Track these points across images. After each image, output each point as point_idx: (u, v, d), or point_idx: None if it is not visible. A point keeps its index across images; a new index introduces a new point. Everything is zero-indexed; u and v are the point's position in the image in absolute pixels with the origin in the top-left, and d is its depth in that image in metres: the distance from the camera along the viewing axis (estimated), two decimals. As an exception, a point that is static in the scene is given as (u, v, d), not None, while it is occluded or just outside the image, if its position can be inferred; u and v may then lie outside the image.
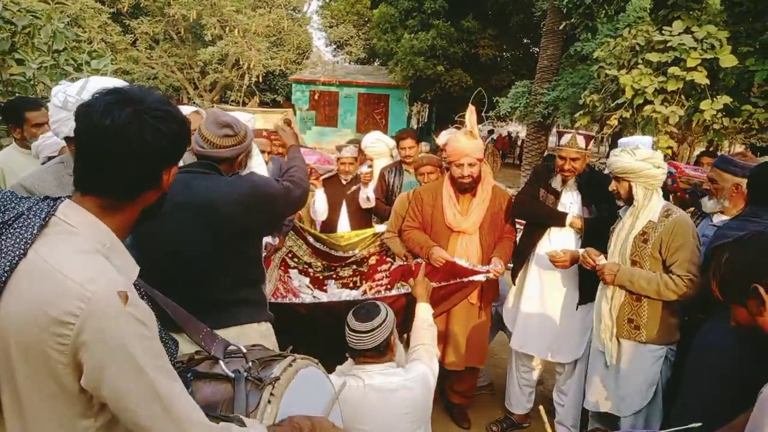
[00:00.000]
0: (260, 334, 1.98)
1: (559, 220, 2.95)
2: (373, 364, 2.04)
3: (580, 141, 2.85)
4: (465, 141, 2.93)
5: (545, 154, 12.22)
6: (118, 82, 1.97)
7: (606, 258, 2.62)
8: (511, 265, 3.22)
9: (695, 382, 2.14)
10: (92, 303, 0.87)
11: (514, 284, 3.25)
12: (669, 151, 5.74)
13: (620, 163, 2.52)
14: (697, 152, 6.33)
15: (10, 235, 0.93)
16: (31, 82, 4.45)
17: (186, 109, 2.95)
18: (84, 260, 0.92)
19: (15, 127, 2.93)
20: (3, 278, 0.89)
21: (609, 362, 2.63)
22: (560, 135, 2.94)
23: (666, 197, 2.92)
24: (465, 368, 3.15)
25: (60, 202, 0.99)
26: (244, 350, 1.28)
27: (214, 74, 15.03)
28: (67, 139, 1.95)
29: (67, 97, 1.90)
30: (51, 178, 1.99)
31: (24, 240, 0.92)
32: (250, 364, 1.23)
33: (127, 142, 0.97)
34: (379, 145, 4.39)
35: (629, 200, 2.55)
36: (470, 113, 2.99)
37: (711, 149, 9.30)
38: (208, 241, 1.87)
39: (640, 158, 2.48)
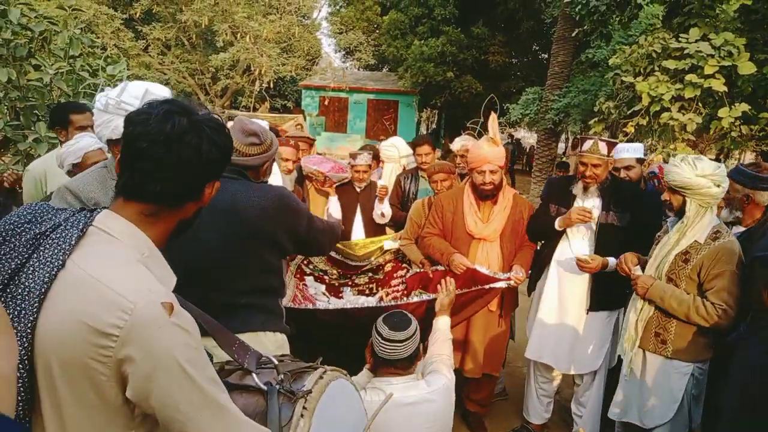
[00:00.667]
0: (275, 344, 1.96)
1: (552, 228, 2.92)
2: (398, 377, 1.99)
3: (602, 147, 2.80)
4: (487, 148, 2.91)
5: (557, 161, 12.15)
6: (155, 86, 1.99)
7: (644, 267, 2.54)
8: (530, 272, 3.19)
9: (749, 403, 1.99)
10: (136, 314, 0.85)
11: (528, 294, 3.22)
12: (665, 156, 5.69)
13: (679, 176, 2.32)
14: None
15: (48, 246, 0.91)
16: (48, 88, 4.47)
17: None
18: (125, 270, 0.91)
19: (61, 130, 2.99)
20: (43, 290, 0.87)
21: (627, 372, 2.57)
22: (582, 141, 2.88)
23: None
24: (482, 376, 3.11)
25: (97, 212, 0.98)
26: (276, 361, 1.26)
27: (225, 80, 15.13)
28: (108, 141, 1.99)
29: (108, 99, 1.92)
30: (95, 182, 1.99)
31: (62, 250, 0.90)
32: (282, 376, 1.20)
33: (185, 148, 0.98)
34: (391, 150, 4.43)
35: (680, 213, 2.41)
36: (492, 120, 2.97)
37: (721, 157, 9.22)
38: (228, 243, 1.87)
39: (701, 173, 2.28)
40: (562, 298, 3.00)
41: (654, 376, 2.51)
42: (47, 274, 0.88)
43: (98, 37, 10.75)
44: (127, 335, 0.85)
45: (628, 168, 3.30)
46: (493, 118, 2.99)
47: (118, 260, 0.92)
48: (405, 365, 2.00)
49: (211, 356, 1.11)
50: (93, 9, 12.28)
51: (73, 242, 0.91)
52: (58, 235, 0.92)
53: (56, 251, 0.90)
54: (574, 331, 2.97)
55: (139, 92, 1.96)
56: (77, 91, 4.64)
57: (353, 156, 4.12)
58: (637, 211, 2.84)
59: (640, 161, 3.39)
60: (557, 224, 2.92)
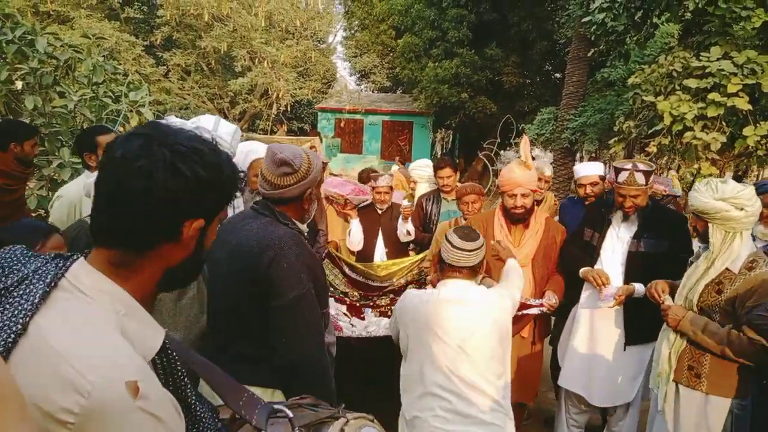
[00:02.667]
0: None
1: (588, 259, 2.86)
2: (460, 279, 2.12)
3: (639, 178, 2.66)
4: (519, 171, 2.86)
5: (574, 179, 12.03)
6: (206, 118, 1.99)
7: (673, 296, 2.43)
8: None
9: None
10: (93, 397, 0.70)
11: (554, 317, 3.13)
12: (686, 176, 5.59)
13: (697, 200, 2.23)
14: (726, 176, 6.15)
15: (9, 305, 0.75)
16: (72, 114, 4.56)
17: (256, 147, 2.87)
18: (90, 339, 0.75)
19: (90, 155, 2.97)
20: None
21: (660, 407, 2.43)
22: (617, 171, 2.74)
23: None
24: (516, 404, 3.01)
25: (72, 261, 0.84)
26: (290, 414, 1.11)
27: (243, 104, 15.33)
28: None
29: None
30: None
31: (24, 311, 0.75)
32: (297, 430, 1.07)
33: (133, 177, 0.82)
34: (425, 170, 4.66)
35: (705, 239, 2.29)
36: (524, 143, 2.93)
37: (740, 174, 9.05)
38: (227, 284, 1.78)
39: (719, 197, 2.17)
40: (595, 329, 2.90)
41: (689, 412, 2.36)
42: (3, 342, 0.73)
43: (120, 64, 11.02)
44: (82, 424, 0.70)
45: (593, 184, 3.62)
46: (525, 140, 2.96)
47: (86, 326, 0.76)
48: (468, 272, 2.13)
49: (214, 410, 1.01)
50: (115, 36, 12.60)
51: (36, 302, 0.76)
52: (22, 292, 0.77)
53: (17, 312, 0.75)
54: (608, 364, 2.85)
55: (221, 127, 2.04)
56: (100, 117, 4.72)
57: (374, 178, 4.10)
58: (677, 239, 2.74)
59: (602, 178, 3.69)
60: (581, 272, 2.83)
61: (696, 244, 2.68)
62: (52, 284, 0.79)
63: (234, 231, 1.81)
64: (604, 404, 2.91)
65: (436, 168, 4.12)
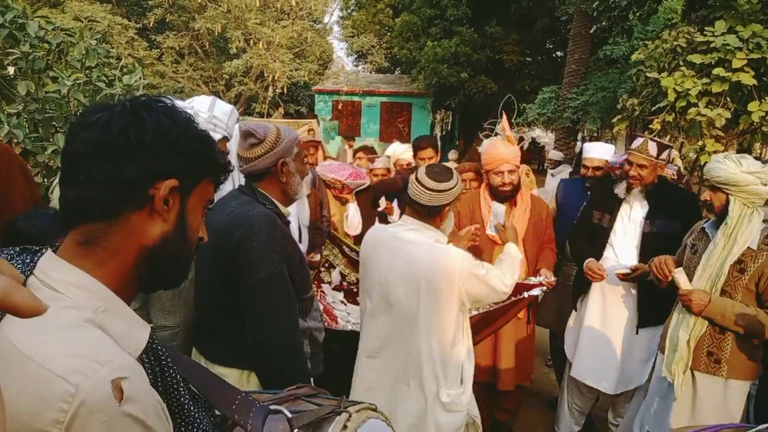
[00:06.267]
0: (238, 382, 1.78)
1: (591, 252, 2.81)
2: (416, 220, 2.07)
3: (652, 148, 2.63)
4: (503, 147, 2.83)
5: (575, 159, 11.96)
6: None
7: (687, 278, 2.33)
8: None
9: None
10: (76, 401, 0.63)
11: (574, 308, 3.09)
12: (690, 153, 5.52)
13: (722, 171, 2.18)
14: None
15: None
16: (66, 99, 4.47)
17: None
18: (64, 338, 0.67)
19: None
20: None
21: (678, 395, 2.34)
22: (632, 138, 2.75)
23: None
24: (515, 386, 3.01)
25: (40, 255, 0.75)
26: (288, 414, 1.03)
27: (239, 86, 15.17)
28: None
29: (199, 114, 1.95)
30: None
31: None
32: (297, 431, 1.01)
33: (89, 128, 0.74)
34: (410, 153, 4.36)
35: (721, 215, 2.23)
36: (504, 120, 2.92)
37: (743, 151, 8.97)
38: (207, 264, 1.78)
39: (747, 170, 2.15)
40: (608, 315, 2.86)
41: (708, 399, 2.31)
42: None
43: (113, 48, 10.83)
44: (66, 430, 0.63)
45: (596, 168, 3.45)
46: (505, 118, 2.92)
47: (58, 324, 0.67)
48: (422, 213, 2.05)
49: (212, 409, 0.95)
50: (108, 20, 12.42)
51: None
52: None
53: None
54: (621, 350, 2.82)
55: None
56: (94, 102, 4.63)
57: (371, 160, 4.04)
58: (690, 219, 2.67)
59: (607, 163, 3.55)
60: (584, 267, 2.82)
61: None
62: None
63: (216, 209, 1.81)
64: (618, 390, 2.87)
65: (418, 148, 3.91)
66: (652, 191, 2.73)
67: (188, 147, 0.81)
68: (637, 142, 2.70)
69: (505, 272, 2.14)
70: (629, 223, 2.78)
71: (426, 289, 1.98)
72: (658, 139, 2.70)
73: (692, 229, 2.48)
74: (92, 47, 4.84)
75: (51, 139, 4.13)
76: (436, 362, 2.01)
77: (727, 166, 2.18)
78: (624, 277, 2.65)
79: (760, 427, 1.40)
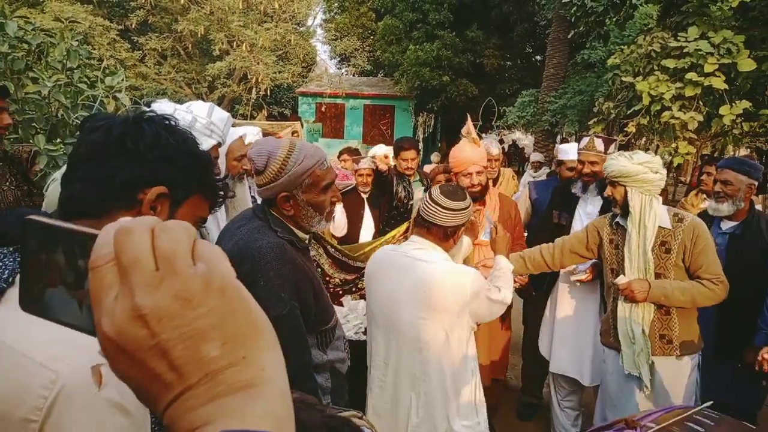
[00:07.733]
0: None
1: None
2: (425, 240, 2.00)
3: (599, 144, 2.80)
4: (470, 149, 2.88)
5: (554, 160, 12.16)
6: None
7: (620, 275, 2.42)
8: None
9: None
10: (56, 387, 0.64)
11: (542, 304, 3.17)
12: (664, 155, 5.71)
13: (616, 166, 2.35)
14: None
15: None
16: (47, 100, 4.44)
17: (232, 131, 2.75)
18: (47, 327, 0.65)
19: None
20: None
21: (647, 384, 2.39)
22: (580, 139, 2.90)
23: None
24: (491, 381, 3.07)
25: None
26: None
27: (222, 89, 15.09)
28: None
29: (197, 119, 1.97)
30: None
31: None
32: None
33: (93, 131, 0.81)
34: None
35: (625, 207, 2.37)
36: (468, 122, 2.99)
37: (716, 154, 9.25)
38: None
39: (636, 162, 2.32)
40: (577, 310, 2.95)
41: (669, 381, 2.42)
42: None
43: (94, 49, 10.72)
44: (45, 419, 0.64)
45: (570, 169, 3.45)
46: (469, 120, 3.01)
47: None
48: (438, 233, 1.98)
49: None
50: (89, 21, 12.28)
51: None
52: None
53: None
54: (595, 341, 2.87)
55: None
56: (76, 103, 4.60)
57: (356, 161, 4.08)
58: None
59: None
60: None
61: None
62: (10, 280, 0.71)
63: (227, 234, 1.73)
64: (595, 382, 2.90)
65: (400, 149, 3.87)
66: (604, 187, 2.84)
67: (182, 161, 0.85)
68: (584, 141, 2.85)
69: (503, 289, 2.13)
70: (586, 219, 2.88)
71: (433, 308, 1.92)
72: (603, 135, 2.88)
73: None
74: (73, 48, 4.81)
75: (31, 141, 4.10)
76: (448, 390, 1.93)
77: (619, 161, 2.34)
78: (583, 281, 2.75)
79: (698, 407, 1.50)
